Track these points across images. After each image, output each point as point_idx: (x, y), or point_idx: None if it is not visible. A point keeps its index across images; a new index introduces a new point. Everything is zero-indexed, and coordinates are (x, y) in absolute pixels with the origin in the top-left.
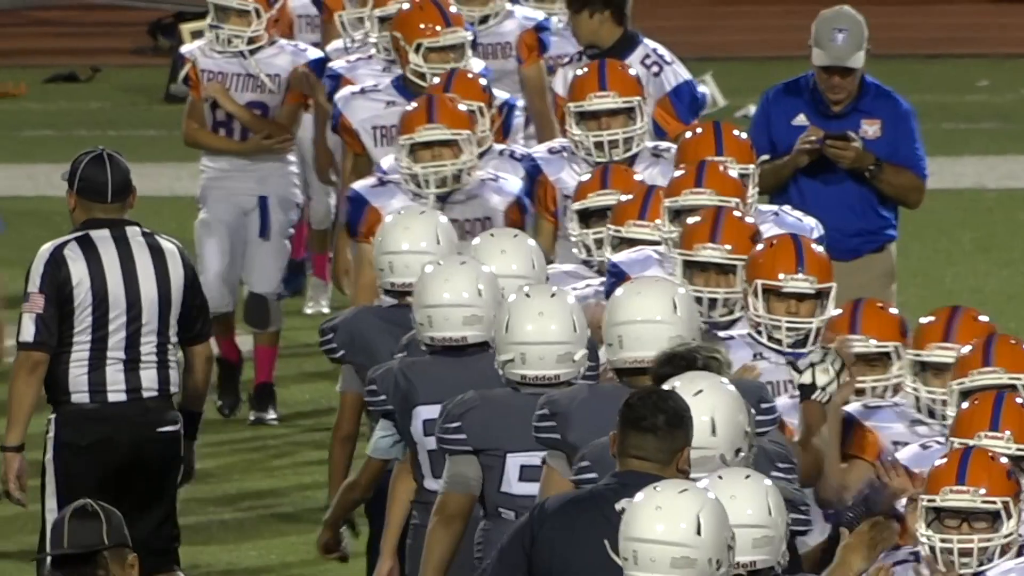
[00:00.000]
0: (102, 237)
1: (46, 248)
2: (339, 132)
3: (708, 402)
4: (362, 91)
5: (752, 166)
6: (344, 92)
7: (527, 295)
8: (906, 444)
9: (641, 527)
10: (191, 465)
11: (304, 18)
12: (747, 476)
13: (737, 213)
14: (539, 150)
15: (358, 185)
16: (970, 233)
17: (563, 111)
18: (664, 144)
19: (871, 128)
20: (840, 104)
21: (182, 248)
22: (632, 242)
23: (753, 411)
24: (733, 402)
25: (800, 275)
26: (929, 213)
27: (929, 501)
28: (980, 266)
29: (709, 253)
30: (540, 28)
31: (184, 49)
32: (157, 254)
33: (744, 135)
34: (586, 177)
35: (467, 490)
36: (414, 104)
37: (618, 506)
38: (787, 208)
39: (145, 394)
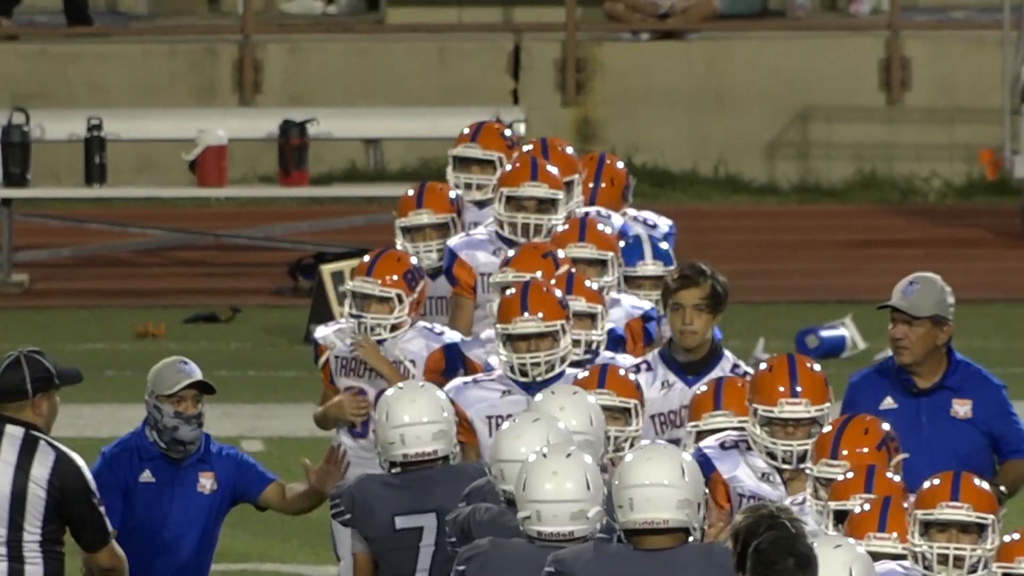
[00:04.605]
0: None
1: None
2: None
3: (849, 554)
4: (475, 381)
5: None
6: (456, 382)
7: (543, 455)
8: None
9: None
10: None
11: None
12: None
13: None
14: (709, 444)
15: None
16: None
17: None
18: None
19: (962, 408)
20: (913, 368)
21: (67, 455)
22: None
23: None
24: (869, 561)
25: (957, 502)
26: None
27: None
28: None
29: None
30: (647, 318)
31: (319, 335)
32: (27, 452)
33: (886, 425)
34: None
35: None
36: (511, 292)
37: None
38: None
39: None
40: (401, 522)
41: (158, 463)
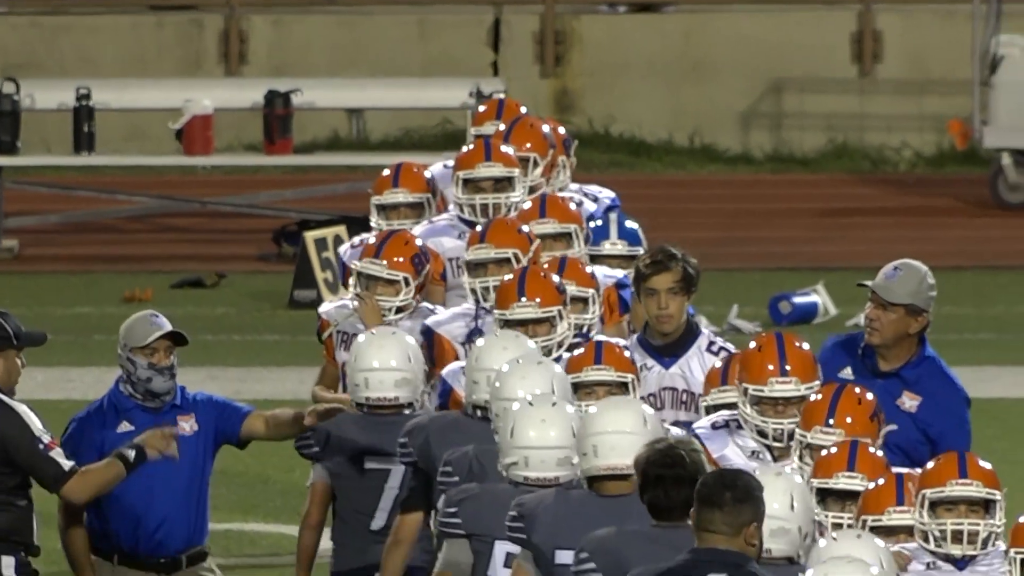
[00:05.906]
0: None
1: None
2: (449, 408)
3: (788, 482)
4: None
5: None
6: (454, 367)
7: (530, 403)
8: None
9: None
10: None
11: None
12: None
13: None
14: (701, 425)
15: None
16: None
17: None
18: None
19: (909, 401)
20: (880, 350)
21: (6, 404)
22: (890, 529)
23: None
24: (806, 488)
25: (966, 479)
26: None
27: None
28: None
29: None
30: (620, 286)
31: (323, 310)
32: None
33: (871, 395)
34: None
35: (458, 573)
36: (508, 279)
37: None
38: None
39: None
40: (370, 463)
41: (135, 413)
